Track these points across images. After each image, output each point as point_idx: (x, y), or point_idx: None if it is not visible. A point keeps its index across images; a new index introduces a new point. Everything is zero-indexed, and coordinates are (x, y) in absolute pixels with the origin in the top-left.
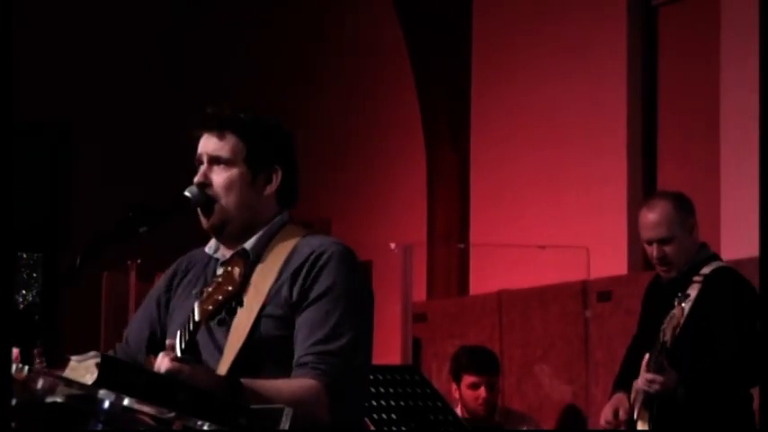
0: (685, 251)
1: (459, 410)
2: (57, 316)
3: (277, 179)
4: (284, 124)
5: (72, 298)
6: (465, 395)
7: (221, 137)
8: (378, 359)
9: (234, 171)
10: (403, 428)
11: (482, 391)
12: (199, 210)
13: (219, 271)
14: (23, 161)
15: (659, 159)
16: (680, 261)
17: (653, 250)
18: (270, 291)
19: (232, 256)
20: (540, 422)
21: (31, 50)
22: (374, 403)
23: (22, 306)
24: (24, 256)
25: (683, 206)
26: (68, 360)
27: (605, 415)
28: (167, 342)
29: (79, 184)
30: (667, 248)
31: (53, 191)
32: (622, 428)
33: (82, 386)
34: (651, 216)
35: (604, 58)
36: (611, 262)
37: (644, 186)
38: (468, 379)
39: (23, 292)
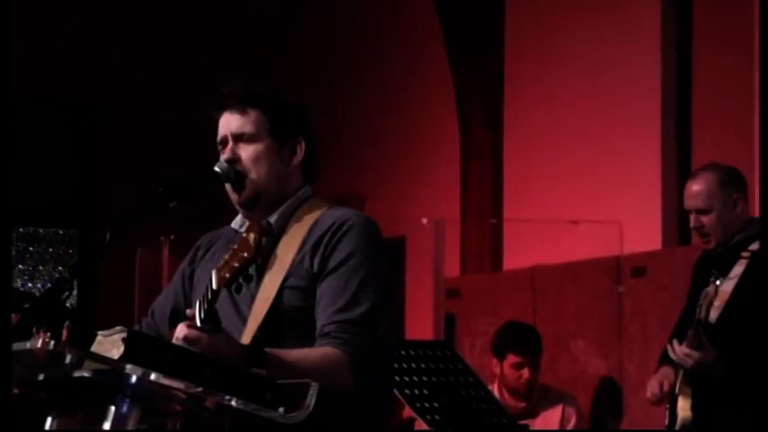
0: (724, 225)
1: (495, 386)
2: (91, 291)
3: (301, 150)
4: (321, 102)
5: (106, 273)
6: (507, 374)
7: (243, 113)
8: (410, 335)
9: (260, 144)
10: (435, 404)
11: (525, 372)
12: (230, 187)
13: None
14: (58, 138)
15: (693, 134)
16: (717, 234)
17: (691, 219)
18: (292, 262)
19: (250, 225)
20: (575, 398)
21: (68, 29)
22: (405, 378)
23: (53, 282)
24: (60, 232)
25: (728, 180)
26: (96, 335)
27: (651, 387)
28: (188, 312)
29: (114, 161)
30: (704, 219)
31: (88, 167)
32: (666, 402)
33: (109, 361)
34: (694, 186)
35: (638, 32)
36: (645, 237)
37: (678, 161)
38: (512, 359)
39: (59, 267)
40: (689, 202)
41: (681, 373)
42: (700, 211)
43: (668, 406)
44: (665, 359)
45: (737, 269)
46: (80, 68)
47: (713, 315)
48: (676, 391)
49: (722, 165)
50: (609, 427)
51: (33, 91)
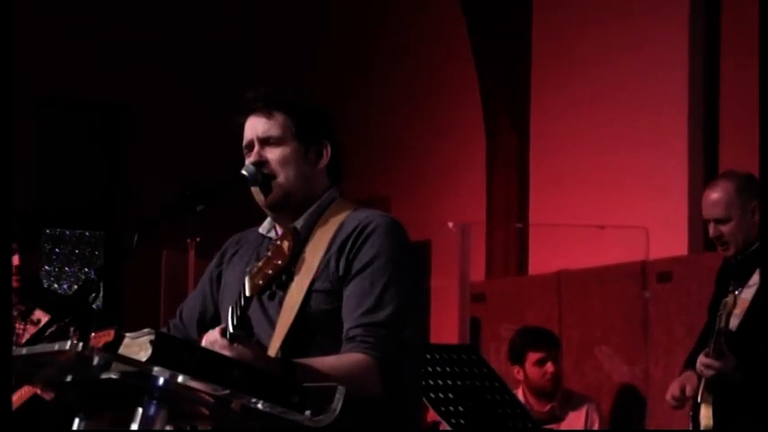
0: (743, 232)
1: (519, 391)
2: (117, 293)
3: (327, 153)
4: (347, 106)
5: (132, 275)
6: (531, 373)
7: (269, 116)
8: (435, 338)
9: (287, 147)
10: (459, 408)
11: (549, 366)
12: (257, 189)
13: None
14: (85, 141)
15: (721, 139)
16: (737, 241)
17: (710, 228)
18: (319, 266)
19: (284, 232)
20: (599, 403)
21: (91, 32)
22: (431, 382)
23: (78, 283)
24: (86, 233)
25: (746, 187)
26: (123, 337)
27: (672, 390)
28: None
29: (140, 163)
30: (723, 228)
31: (114, 170)
32: (686, 405)
33: (136, 363)
34: (712, 195)
35: (665, 38)
36: (672, 242)
37: (705, 166)
38: (533, 356)
39: (85, 269)
40: (708, 212)
41: (704, 380)
42: (719, 221)
43: (691, 413)
44: (689, 364)
45: (757, 276)
46: (106, 71)
47: (734, 323)
48: (699, 399)
49: (739, 172)
50: None
51: (59, 94)
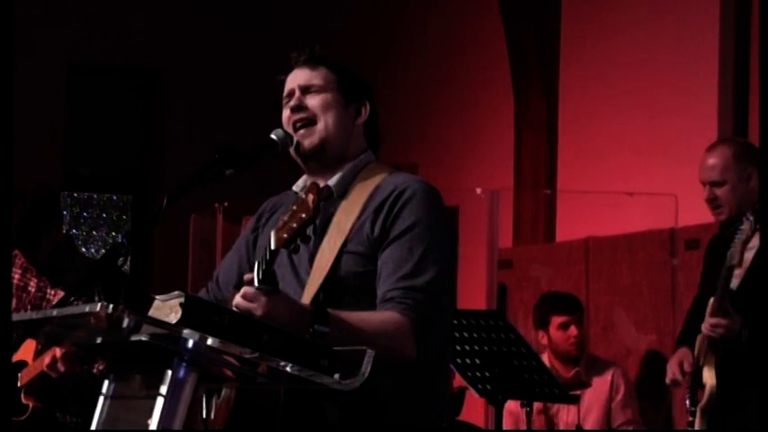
0: (737, 197)
1: (545, 357)
2: (146, 257)
3: (366, 112)
4: (374, 71)
5: (160, 239)
6: (555, 337)
7: (313, 68)
8: (463, 304)
9: (329, 95)
10: (486, 373)
11: (573, 330)
12: (293, 146)
13: None
14: (115, 105)
15: (750, 105)
16: (729, 204)
17: (705, 191)
18: (352, 227)
19: (309, 186)
20: (626, 370)
21: None
22: (458, 348)
23: (107, 247)
24: (114, 198)
25: (744, 154)
26: (153, 299)
27: (672, 370)
28: (245, 276)
29: (171, 128)
30: (718, 191)
31: (145, 134)
32: (688, 381)
33: (166, 325)
34: (709, 159)
35: (697, 2)
36: (700, 210)
37: (734, 133)
38: (557, 320)
39: (113, 233)
40: (704, 175)
41: (705, 343)
42: (714, 184)
43: (689, 387)
44: (682, 341)
45: (755, 240)
46: (137, 36)
47: (734, 283)
48: (701, 362)
49: (739, 139)
50: (657, 400)
51: (90, 58)
